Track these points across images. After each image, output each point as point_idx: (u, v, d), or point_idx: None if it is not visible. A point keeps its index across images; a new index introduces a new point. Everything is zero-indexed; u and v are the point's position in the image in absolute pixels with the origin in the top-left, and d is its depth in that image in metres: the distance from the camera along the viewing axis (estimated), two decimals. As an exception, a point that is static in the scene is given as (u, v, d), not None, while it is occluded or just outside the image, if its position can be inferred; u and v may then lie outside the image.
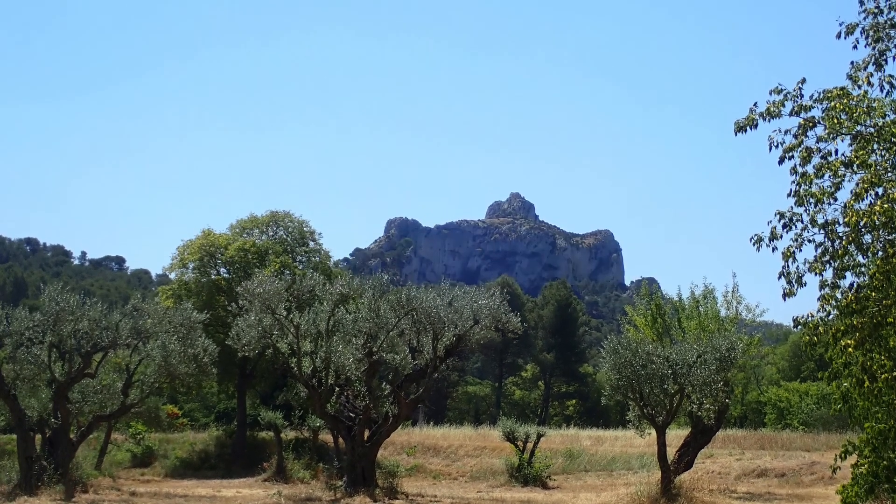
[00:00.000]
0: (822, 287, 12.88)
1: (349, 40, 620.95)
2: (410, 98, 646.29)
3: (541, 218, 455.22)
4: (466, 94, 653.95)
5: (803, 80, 12.90)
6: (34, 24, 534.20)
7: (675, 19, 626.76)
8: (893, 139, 12.29)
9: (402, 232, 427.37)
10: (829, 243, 12.69)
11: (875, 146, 12.42)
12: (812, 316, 13.07)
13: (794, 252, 12.74)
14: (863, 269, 12.92)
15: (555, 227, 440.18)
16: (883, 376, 12.36)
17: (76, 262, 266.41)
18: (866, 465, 13.49)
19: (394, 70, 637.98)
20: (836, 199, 12.68)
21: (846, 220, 12.30)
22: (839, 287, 12.90)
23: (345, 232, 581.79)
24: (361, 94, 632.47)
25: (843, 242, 12.46)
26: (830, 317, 13.08)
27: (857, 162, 12.29)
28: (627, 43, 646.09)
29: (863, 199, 12.19)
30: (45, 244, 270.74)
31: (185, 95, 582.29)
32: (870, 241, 12.58)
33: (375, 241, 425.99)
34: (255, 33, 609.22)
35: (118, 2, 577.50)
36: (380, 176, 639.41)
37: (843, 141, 12.60)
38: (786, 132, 12.86)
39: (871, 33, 12.79)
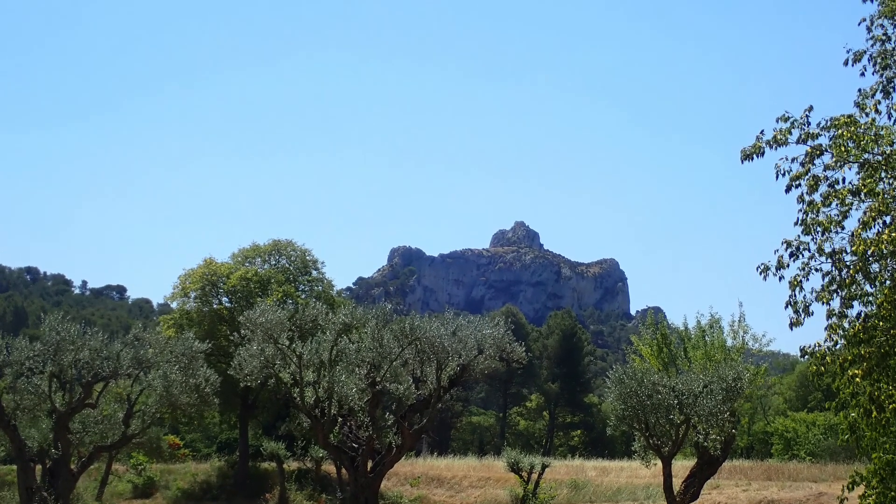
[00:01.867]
0: (829, 316, 12.77)
1: (352, 68, 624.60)
2: (414, 126, 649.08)
3: (545, 247, 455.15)
4: (470, 122, 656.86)
5: (810, 108, 12.82)
6: (35, 51, 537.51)
7: (680, 46, 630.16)
8: (901, 167, 12.19)
9: (406, 261, 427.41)
10: (836, 272, 12.58)
11: (883, 174, 12.32)
12: (819, 345, 12.96)
13: (801, 281, 12.63)
14: (870, 298, 12.81)
15: (559, 255, 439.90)
16: (891, 406, 12.22)
17: (77, 291, 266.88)
18: (874, 497, 13.30)
19: (397, 97, 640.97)
20: (843, 228, 12.59)
21: (854, 248, 12.19)
22: (847, 316, 12.79)
23: (348, 261, 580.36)
24: (364, 121, 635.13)
25: (851, 271, 12.35)
26: (838, 346, 12.96)
27: (865, 190, 12.18)
28: (632, 69, 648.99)
29: (870, 228, 12.08)
30: (45, 273, 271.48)
31: (186, 122, 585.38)
32: (877, 270, 12.47)
33: (378, 270, 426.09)
34: (257, 60, 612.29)
35: (119, 28, 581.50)
36: (383, 204, 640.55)
37: (850, 169, 12.51)
38: (793, 160, 12.77)
39: (878, 60, 12.73)
